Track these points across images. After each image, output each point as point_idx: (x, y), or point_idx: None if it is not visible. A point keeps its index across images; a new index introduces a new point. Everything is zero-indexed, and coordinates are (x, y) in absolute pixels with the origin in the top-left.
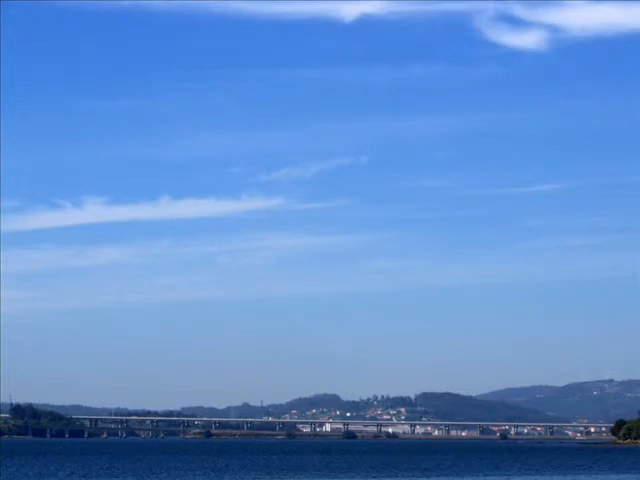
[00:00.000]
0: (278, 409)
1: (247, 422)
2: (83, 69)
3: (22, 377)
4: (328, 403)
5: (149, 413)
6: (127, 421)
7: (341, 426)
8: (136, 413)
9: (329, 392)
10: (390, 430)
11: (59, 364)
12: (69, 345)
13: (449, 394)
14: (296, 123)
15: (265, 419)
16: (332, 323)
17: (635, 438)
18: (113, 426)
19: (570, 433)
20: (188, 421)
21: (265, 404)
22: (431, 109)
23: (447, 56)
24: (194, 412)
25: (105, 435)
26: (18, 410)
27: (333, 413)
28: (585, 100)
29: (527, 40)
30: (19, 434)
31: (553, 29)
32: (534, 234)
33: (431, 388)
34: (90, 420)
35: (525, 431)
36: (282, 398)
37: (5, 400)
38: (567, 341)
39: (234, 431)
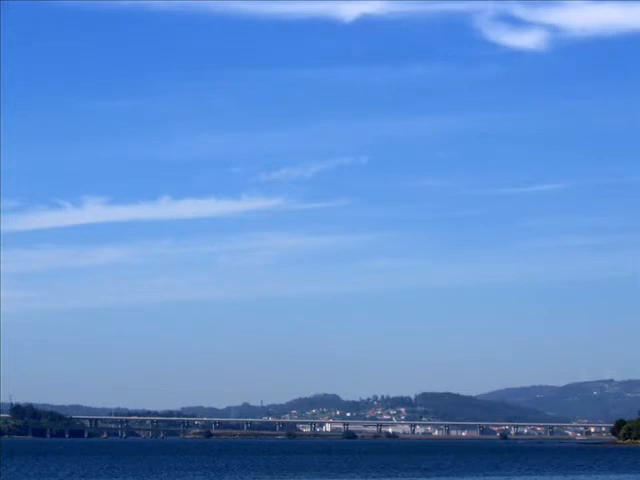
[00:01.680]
0: (278, 409)
1: (247, 422)
2: (83, 69)
3: (22, 377)
4: (328, 403)
5: (149, 413)
6: (127, 421)
7: (341, 426)
8: (136, 413)
9: (329, 392)
10: (390, 430)
11: (59, 364)
12: (69, 345)
13: (449, 394)
14: (296, 123)
15: (265, 419)
16: (332, 323)
17: (635, 438)
18: (113, 426)
19: (570, 433)
20: (188, 421)
21: (265, 404)
22: (431, 109)
23: (447, 56)
24: (194, 412)
25: (105, 435)
26: (18, 410)
27: (333, 413)
28: (585, 100)
29: (527, 40)
30: (19, 434)
31: (553, 29)
32: (534, 234)
33: (431, 388)
34: (90, 420)
35: (525, 431)
36: (282, 398)
37: (5, 400)
38: (567, 341)
39: (234, 431)
